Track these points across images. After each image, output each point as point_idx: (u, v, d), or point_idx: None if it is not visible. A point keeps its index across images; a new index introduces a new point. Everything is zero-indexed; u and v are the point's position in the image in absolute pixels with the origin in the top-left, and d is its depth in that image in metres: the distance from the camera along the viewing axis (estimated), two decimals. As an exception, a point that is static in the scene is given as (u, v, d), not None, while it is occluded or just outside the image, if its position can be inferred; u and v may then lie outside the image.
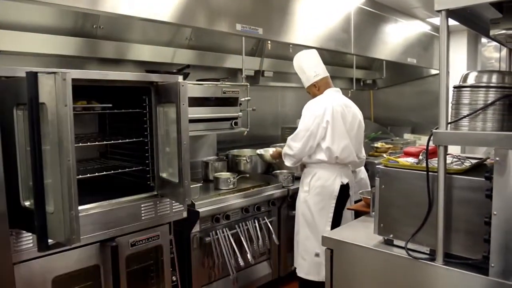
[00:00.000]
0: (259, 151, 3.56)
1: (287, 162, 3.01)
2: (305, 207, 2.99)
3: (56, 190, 1.76)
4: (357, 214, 2.69)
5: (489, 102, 1.59)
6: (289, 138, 2.95)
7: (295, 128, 2.98)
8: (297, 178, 3.64)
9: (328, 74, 3.11)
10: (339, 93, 3.07)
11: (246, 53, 3.74)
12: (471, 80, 1.68)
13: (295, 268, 3.11)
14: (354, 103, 3.15)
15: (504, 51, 2.40)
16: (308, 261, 2.98)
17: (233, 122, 3.45)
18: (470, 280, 1.57)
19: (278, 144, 3.95)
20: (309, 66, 3.06)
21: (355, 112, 3.05)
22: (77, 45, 2.81)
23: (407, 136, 5.70)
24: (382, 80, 5.97)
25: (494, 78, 1.64)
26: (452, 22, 1.69)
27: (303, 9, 3.29)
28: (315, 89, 3.06)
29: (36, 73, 1.69)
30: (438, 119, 1.62)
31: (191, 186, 2.53)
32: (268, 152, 3.47)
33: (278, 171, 3.76)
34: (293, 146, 2.90)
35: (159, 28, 3.14)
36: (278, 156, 3.21)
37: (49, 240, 1.80)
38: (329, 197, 2.94)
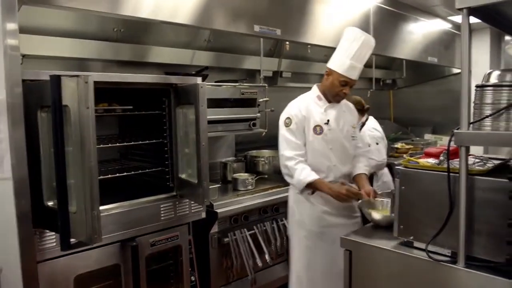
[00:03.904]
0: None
1: None
2: None
3: (78, 190, 1.80)
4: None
5: (513, 101, 1.55)
6: None
7: None
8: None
9: None
10: None
11: (264, 54, 3.75)
12: (494, 79, 1.65)
13: None
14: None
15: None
16: None
17: (251, 123, 3.46)
18: (493, 284, 1.54)
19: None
20: None
21: None
22: (98, 48, 2.86)
23: (428, 136, 5.60)
24: (402, 80, 5.89)
25: (518, 77, 1.60)
26: (474, 19, 1.66)
27: (321, 9, 3.27)
28: None
29: (59, 76, 1.74)
30: (460, 119, 1.59)
31: (210, 187, 2.55)
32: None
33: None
34: None
35: (178, 30, 3.18)
36: None
37: (72, 239, 1.84)
38: None
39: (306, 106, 2.52)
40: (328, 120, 2.50)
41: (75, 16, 2.68)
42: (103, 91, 2.29)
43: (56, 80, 1.72)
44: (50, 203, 1.95)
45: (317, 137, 2.48)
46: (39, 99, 1.88)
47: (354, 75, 2.46)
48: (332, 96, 2.53)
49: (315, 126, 2.48)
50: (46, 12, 2.46)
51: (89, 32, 2.80)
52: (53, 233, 2.03)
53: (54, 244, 2.04)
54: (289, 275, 2.70)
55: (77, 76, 1.72)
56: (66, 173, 1.78)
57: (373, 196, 2.35)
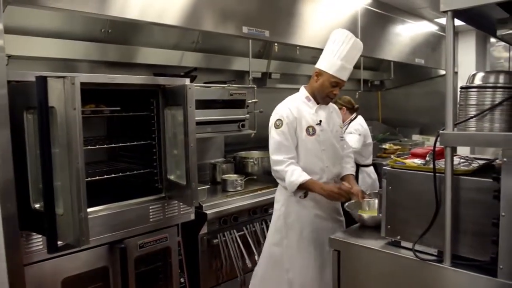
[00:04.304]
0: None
1: None
2: None
3: (65, 192, 1.78)
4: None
5: (496, 102, 1.58)
6: None
7: None
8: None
9: None
10: None
11: (253, 55, 3.76)
12: (478, 81, 1.67)
13: None
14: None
15: (513, 51, 2.38)
16: None
17: (240, 124, 3.46)
18: (478, 282, 1.56)
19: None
20: None
21: None
22: (85, 49, 2.84)
23: (416, 137, 5.67)
24: (390, 81, 5.94)
25: (501, 79, 1.62)
26: (460, 22, 1.68)
27: (309, 10, 3.29)
28: None
29: (45, 77, 1.72)
30: (445, 120, 1.62)
31: (199, 188, 2.55)
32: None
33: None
34: None
35: (167, 31, 3.17)
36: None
37: (59, 242, 1.83)
38: None
39: (297, 107, 2.48)
40: (320, 121, 2.47)
41: (62, 17, 2.66)
42: (90, 92, 2.27)
43: (42, 81, 1.70)
44: (37, 205, 1.93)
45: (310, 138, 2.43)
46: (25, 100, 1.86)
47: (344, 76, 2.45)
48: (322, 98, 2.49)
49: (308, 127, 2.44)
50: (32, 13, 2.43)
51: (76, 32, 2.77)
52: (40, 235, 2.00)
53: (41, 246, 2.02)
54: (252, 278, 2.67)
55: (63, 77, 1.70)
56: (52, 175, 1.76)
57: (362, 197, 2.36)
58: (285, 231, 2.51)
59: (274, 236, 2.57)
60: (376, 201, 2.26)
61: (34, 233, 2.00)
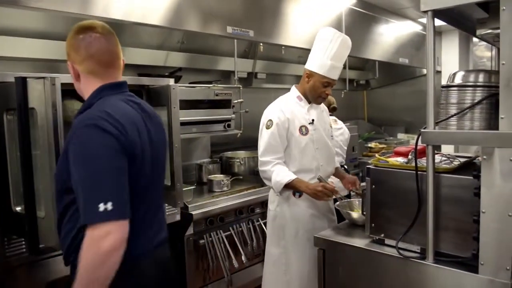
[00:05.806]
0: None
1: None
2: None
3: (47, 195, 1.75)
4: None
5: (476, 101, 1.60)
6: None
7: None
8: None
9: None
10: None
11: (238, 55, 3.76)
12: (458, 80, 1.70)
13: None
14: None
15: (495, 50, 2.42)
16: None
17: (226, 124, 3.45)
18: (460, 278, 1.58)
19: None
20: None
21: None
22: (68, 50, 2.80)
23: (401, 136, 5.72)
24: (375, 80, 5.99)
25: (480, 77, 1.65)
26: (442, 22, 1.71)
27: (294, 11, 3.30)
28: None
29: (25, 78, 1.70)
30: (426, 118, 1.64)
31: (184, 189, 2.54)
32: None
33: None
34: None
35: (151, 31, 3.15)
36: None
37: (41, 245, 1.80)
38: None
39: (289, 107, 2.45)
40: (312, 120, 2.47)
41: (44, 17, 2.62)
42: (74, 93, 2.24)
43: (21, 82, 1.68)
44: (18, 208, 1.90)
45: (303, 137, 2.42)
46: (4, 102, 1.83)
47: (335, 75, 2.44)
48: (315, 98, 2.48)
49: (301, 127, 2.43)
50: (14, 13, 2.39)
51: (59, 32, 2.73)
52: (22, 239, 1.97)
53: (24, 250, 1.99)
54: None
55: (43, 78, 1.68)
56: (33, 177, 1.74)
57: (358, 184, 2.48)
58: (282, 232, 2.48)
59: (272, 237, 2.55)
60: None
61: (16, 237, 1.96)
